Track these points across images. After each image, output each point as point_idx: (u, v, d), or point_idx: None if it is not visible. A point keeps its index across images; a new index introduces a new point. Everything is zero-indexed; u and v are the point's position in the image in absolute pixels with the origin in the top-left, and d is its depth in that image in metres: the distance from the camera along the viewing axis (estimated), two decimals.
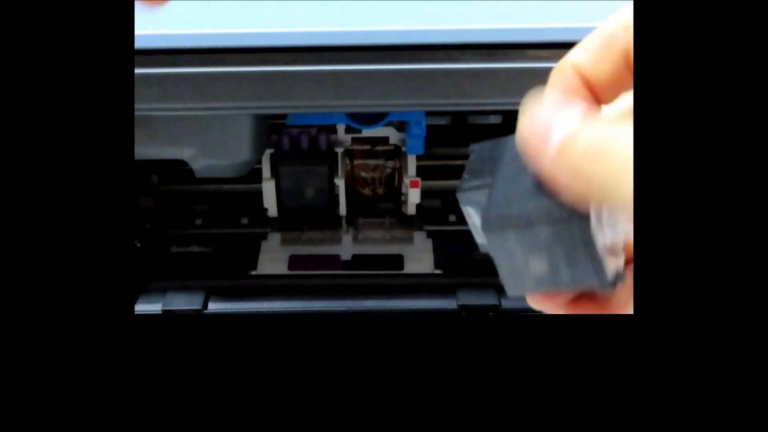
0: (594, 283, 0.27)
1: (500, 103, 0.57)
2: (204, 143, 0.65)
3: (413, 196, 0.81)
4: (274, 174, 0.79)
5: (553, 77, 0.29)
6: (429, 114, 0.77)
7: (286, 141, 0.79)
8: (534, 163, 0.26)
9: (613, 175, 0.24)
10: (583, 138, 0.25)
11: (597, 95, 0.28)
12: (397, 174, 0.84)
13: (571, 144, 0.25)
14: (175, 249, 0.81)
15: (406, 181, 0.81)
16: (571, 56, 0.29)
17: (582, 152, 0.24)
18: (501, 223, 0.27)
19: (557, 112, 0.26)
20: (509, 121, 0.82)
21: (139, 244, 0.79)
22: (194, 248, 0.81)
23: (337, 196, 0.82)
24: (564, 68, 0.29)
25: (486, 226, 0.28)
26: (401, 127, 0.81)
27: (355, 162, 0.83)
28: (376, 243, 0.83)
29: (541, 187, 0.26)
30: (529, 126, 0.26)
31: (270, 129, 0.77)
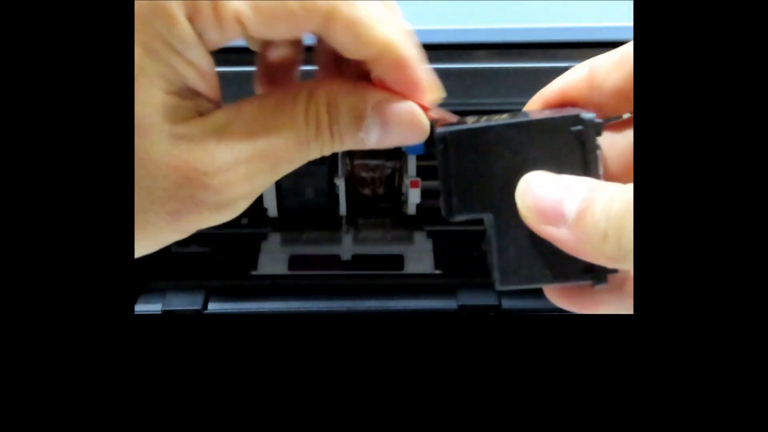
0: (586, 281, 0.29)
1: (504, 102, 0.57)
2: None
3: (413, 196, 0.81)
4: None
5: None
6: None
7: None
8: (546, 232, 0.28)
9: (626, 230, 0.25)
10: (599, 204, 0.26)
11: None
12: (397, 174, 0.84)
13: (591, 211, 0.26)
14: (175, 249, 0.81)
15: (406, 181, 0.81)
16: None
17: (605, 216, 0.26)
18: (515, 281, 0.30)
19: (565, 186, 0.28)
20: None
21: None
22: (194, 248, 0.81)
23: (337, 196, 0.82)
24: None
25: (500, 283, 0.30)
26: None
27: (355, 162, 0.83)
28: (376, 243, 0.83)
29: (551, 251, 0.28)
30: (540, 201, 0.28)
31: None
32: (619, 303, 0.30)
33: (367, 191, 0.85)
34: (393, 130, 0.30)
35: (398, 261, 0.79)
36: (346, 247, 0.82)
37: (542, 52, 0.54)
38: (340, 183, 0.81)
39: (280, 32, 0.29)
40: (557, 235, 0.27)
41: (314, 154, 0.31)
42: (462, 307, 0.70)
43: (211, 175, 0.28)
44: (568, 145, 0.28)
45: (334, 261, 0.80)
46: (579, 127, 0.28)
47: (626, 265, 0.26)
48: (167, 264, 0.79)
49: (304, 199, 0.81)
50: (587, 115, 0.28)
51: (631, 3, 0.29)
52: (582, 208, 0.27)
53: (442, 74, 0.56)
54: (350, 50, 0.30)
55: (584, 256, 0.27)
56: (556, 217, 0.27)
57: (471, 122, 0.30)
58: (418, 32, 0.55)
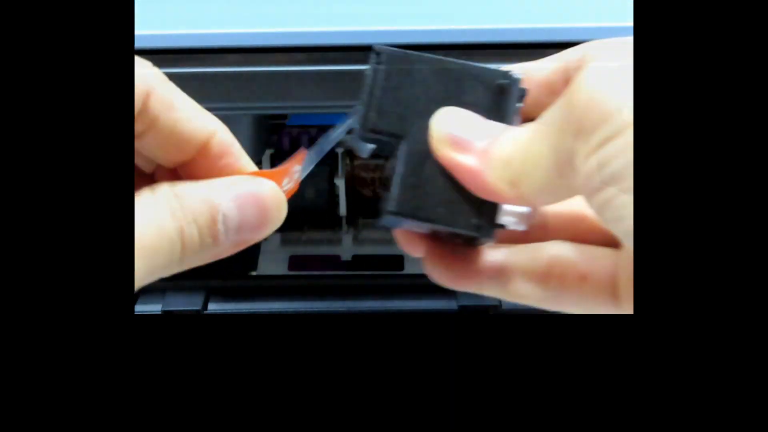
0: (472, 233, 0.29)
1: None
2: None
3: None
4: None
5: None
6: None
7: (286, 141, 0.79)
8: (453, 159, 0.28)
9: (537, 162, 0.27)
10: (508, 136, 0.28)
11: None
12: None
13: (499, 141, 0.28)
14: None
15: None
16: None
17: (511, 143, 0.27)
18: (407, 211, 0.30)
19: (482, 123, 0.29)
20: None
21: None
22: None
23: (337, 196, 0.82)
24: None
25: (393, 211, 0.30)
26: None
27: (355, 162, 0.83)
28: (376, 243, 0.83)
29: (455, 188, 0.29)
30: (454, 130, 0.29)
31: (270, 129, 0.77)
32: (497, 292, 0.31)
33: (367, 191, 0.85)
34: (251, 213, 0.29)
35: (398, 261, 0.79)
36: (346, 248, 0.82)
37: (536, 53, 0.54)
38: (340, 183, 0.81)
39: None
40: (463, 162, 0.28)
41: (177, 251, 0.28)
42: (462, 307, 0.70)
43: None
44: (493, 96, 0.30)
45: (334, 261, 0.80)
46: (506, 81, 0.29)
47: (524, 191, 0.27)
48: None
49: (304, 199, 0.81)
50: (516, 74, 0.30)
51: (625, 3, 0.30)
52: (492, 141, 0.28)
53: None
54: (172, 142, 0.28)
55: (485, 185, 0.28)
56: (466, 146, 0.28)
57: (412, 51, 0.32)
58: (411, 33, 0.56)
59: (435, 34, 0.56)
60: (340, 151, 0.80)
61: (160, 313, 0.71)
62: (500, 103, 0.30)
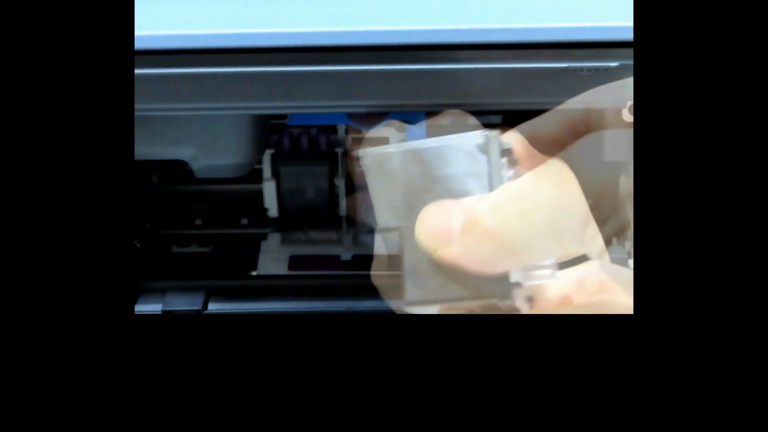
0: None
1: (500, 103, 0.57)
2: (204, 143, 0.65)
3: None
4: (274, 174, 0.79)
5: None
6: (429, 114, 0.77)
7: (286, 141, 0.79)
8: (440, 256, 0.28)
9: (516, 223, 0.26)
10: (483, 207, 0.27)
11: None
12: None
13: (472, 221, 0.27)
14: (175, 249, 0.81)
15: None
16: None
17: (490, 214, 0.27)
18: (421, 302, 0.31)
19: (450, 207, 0.29)
20: (509, 120, 0.82)
21: (139, 244, 0.79)
22: (194, 248, 0.81)
23: (337, 196, 0.82)
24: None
25: (409, 302, 0.30)
26: (401, 127, 0.81)
27: (356, 162, 0.83)
28: None
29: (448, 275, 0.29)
30: (431, 224, 0.29)
31: (270, 129, 0.77)
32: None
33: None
34: None
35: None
36: (346, 248, 0.82)
37: (536, 53, 0.54)
38: (340, 183, 0.81)
39: None
40: (449, 255, 0.28)
41: None
42: None
43: None
44: (473, 160, 0.30)
45: (334, 261, 0.80)
46: (481, 141, 0.29)
47: (520, 258, 0.26)
48: (167, 264, 0.79)
49: (304, 199, 0.81)
50: (491, 132, 0.30)
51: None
52: (467, 218, 0.27)
53: (435, 74, 0.57)
54: None
55: (477, 269, 0.27)
56: (446, 237, 0.28)
57: (390, 145, 0.32)
58: (411, 33, 0.56)
59: (435, 34, 0.56)
60: (340, 150, 0.80)
61: (160, 313, 0.71)
62: (482, 164, 0.30)
